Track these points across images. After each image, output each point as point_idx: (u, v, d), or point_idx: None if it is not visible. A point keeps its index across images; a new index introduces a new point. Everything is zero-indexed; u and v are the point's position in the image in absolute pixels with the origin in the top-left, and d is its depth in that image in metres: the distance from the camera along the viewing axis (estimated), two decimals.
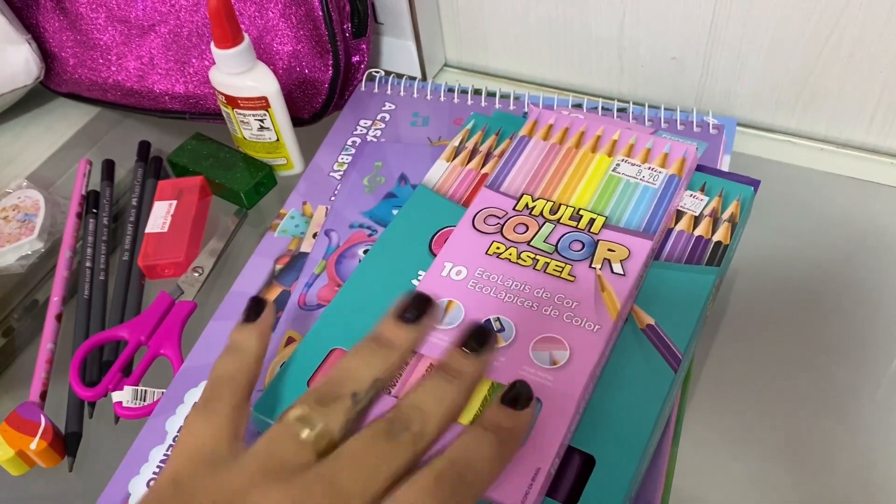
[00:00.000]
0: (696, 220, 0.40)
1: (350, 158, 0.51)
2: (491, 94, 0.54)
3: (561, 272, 0.37)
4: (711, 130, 0.49)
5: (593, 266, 0.37)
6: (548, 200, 0.40)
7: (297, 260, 0.45)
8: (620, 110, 0.51)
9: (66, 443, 0.41)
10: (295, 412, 0.28)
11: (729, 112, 0.55)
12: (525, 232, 0.39)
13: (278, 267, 0.45)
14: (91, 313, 0.47)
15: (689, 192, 0.41)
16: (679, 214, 0.40)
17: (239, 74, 0.48)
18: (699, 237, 0.39)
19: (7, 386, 0.45)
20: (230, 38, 0.46)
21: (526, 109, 0.52)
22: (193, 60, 0.55)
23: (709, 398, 0.40)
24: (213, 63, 0.49)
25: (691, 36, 0.52)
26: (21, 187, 0.54)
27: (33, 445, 0.39)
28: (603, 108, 0.51)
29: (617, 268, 0.37)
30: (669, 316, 0.36)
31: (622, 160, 0.42)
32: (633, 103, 0.52)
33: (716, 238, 0.39)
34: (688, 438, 0.37)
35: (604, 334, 0.34)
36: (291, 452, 0.27)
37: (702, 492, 0.37)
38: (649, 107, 0.51)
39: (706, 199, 0.40)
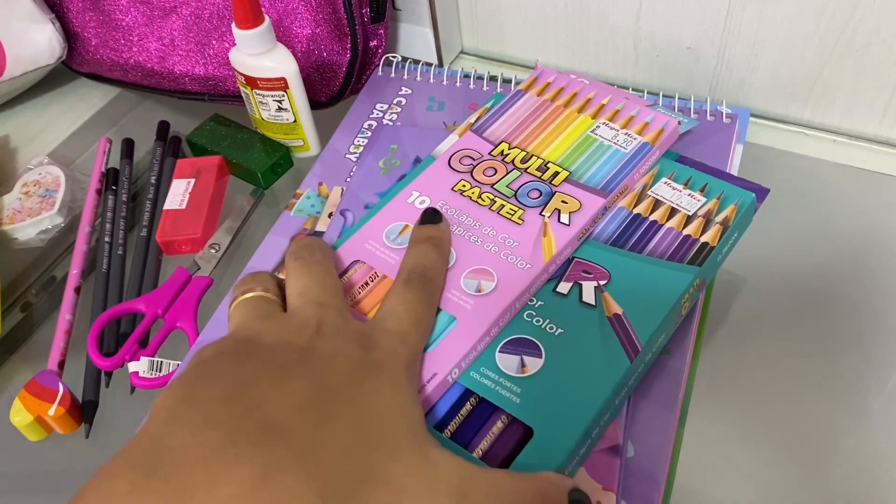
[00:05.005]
0: (689, 220, 0.40)
1: (366, 141, 0.51)
2: (507, 81, 0.54)
3: (513, 215, 0.40)
4: (725, 120, 0.49)
5: (543, 214, 0.39)
6: (522, 150, 0.43)
7: None
8: None
9: (82, 410, 0.41)
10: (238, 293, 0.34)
11: (742, 102, 0.55)
12: (493, 175, 0.42)
13: None
14: (109, 287, 0.47)
15: (687, 192, 0.41)
16: (672, 212, 0.40)
17: (259, 55, 0.49)
18: (686, 236, 0.39)
19: (26, 356, 0.46)
20: (251, 19, 0.47)
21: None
22: (213, 42, 0.56)
23: (714, 393, 0.40)
24: (233, 45, 0.50)
25: (707, 26, 0.52)
26: (42, 164, 0.55)
27: (51, 412, 0.40)
28: None
29: (564, 218, 0.39)
30: (638, 308, 0.36)
31: (602, 123, 0.44)
32: (648, 92, 0.53)
33: (703, 239, 0.39)
34: (692, 434, 0.38)
35: (532, 273, 0.37)
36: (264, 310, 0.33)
37: (705, 487, 0.37)
38: (663, 96, 0.51)
39: (704, 199, 0.40)
